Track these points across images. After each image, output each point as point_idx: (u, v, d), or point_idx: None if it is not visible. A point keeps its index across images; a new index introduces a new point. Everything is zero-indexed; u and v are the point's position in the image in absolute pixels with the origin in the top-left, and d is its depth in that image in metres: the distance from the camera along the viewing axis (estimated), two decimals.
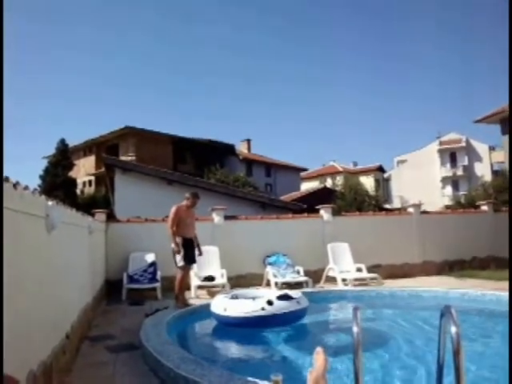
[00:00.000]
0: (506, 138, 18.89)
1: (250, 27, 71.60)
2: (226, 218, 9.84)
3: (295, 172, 38.85)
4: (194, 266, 8.65)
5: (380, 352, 4.39)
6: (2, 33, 2.79)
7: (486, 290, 7.25)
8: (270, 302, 5.16)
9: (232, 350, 5.20)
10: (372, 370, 3.72)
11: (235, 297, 5.65)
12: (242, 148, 38.98)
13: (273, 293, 5.68)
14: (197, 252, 7.15)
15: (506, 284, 7.90)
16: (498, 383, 3.54)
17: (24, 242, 2.68)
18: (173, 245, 6.69)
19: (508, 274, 6.66)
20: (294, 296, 5.49)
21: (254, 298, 5.44)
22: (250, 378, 3.12)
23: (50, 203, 3.27)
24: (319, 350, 1.49)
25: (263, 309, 5.10)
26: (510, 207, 10.37)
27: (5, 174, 2.24)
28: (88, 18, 61.20)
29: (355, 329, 2.28)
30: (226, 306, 5.42)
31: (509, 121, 16.07)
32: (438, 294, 7.35)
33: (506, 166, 19.34)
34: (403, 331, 5.66)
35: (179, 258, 6.70)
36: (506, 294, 6.80)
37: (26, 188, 2.71)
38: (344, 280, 8.86)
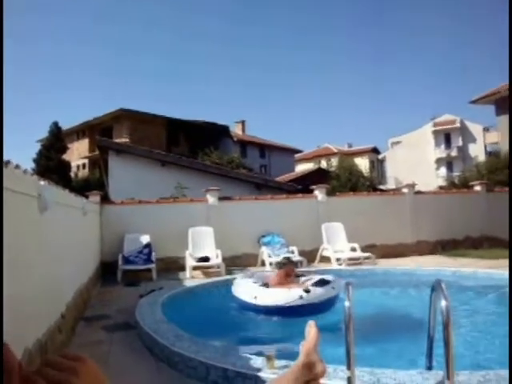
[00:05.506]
0: (501, 118, 18.90)
1: (247, 18, 70.43)
2: (221, 198, 9.85)
3: (290, 153, 38.68)
4: (190, 246, 8.71)
5: (372, 327, 4.45)
6: (1, 33, 2.73)
7: (476, 268, 7.36)
8: (307, 290, 4.96)
9: (226, 327, 5.24)
10: (365, 345, 3.77)
11: (262, 284, 5.34)
12: (236, 129, 38.69)
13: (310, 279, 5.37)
14: None
15: (498, 262, 8.01)
16: (488, 354, 3.62)
17: (16, 221, 2.67)
18: None
19: (508, 258, 6.71)
20: (329, 280, 5.27)
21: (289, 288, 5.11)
22: (244, 353, 3.16)
23: (42, 183, 3.25)
24: (311, 322, 1.49)
25: (301, 297, 4.88)
26: (509, 191, 10.32)
27: None
28: (81, 10, 59.97)
29: (347, 303, 2.32)
30: (256, 293, 5.17)
31: (509, 106, 16.05)
32: (430, 272, 7.44)
33: (501, 147, 19.35)
34: (395, 307, 5.74)
35: None
36: (497, 271, 6.90)
37: (18, 167, 2.69)
38: (338, 259, 8.94)
